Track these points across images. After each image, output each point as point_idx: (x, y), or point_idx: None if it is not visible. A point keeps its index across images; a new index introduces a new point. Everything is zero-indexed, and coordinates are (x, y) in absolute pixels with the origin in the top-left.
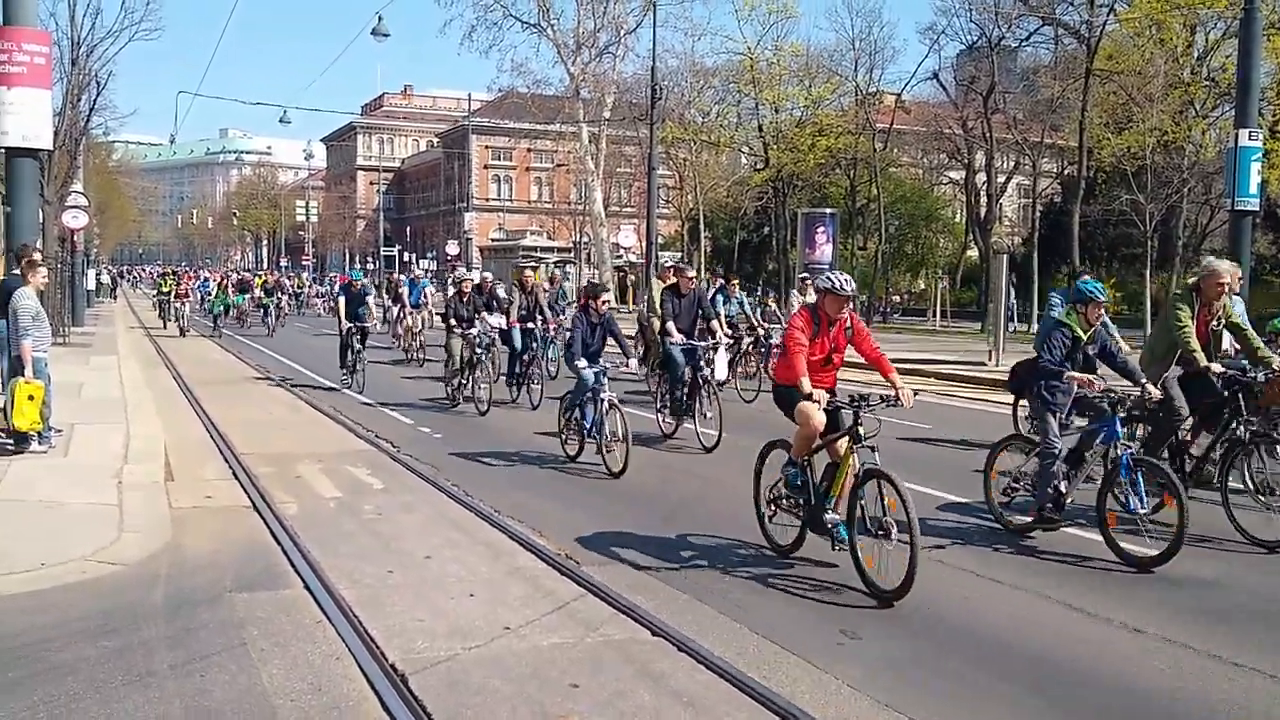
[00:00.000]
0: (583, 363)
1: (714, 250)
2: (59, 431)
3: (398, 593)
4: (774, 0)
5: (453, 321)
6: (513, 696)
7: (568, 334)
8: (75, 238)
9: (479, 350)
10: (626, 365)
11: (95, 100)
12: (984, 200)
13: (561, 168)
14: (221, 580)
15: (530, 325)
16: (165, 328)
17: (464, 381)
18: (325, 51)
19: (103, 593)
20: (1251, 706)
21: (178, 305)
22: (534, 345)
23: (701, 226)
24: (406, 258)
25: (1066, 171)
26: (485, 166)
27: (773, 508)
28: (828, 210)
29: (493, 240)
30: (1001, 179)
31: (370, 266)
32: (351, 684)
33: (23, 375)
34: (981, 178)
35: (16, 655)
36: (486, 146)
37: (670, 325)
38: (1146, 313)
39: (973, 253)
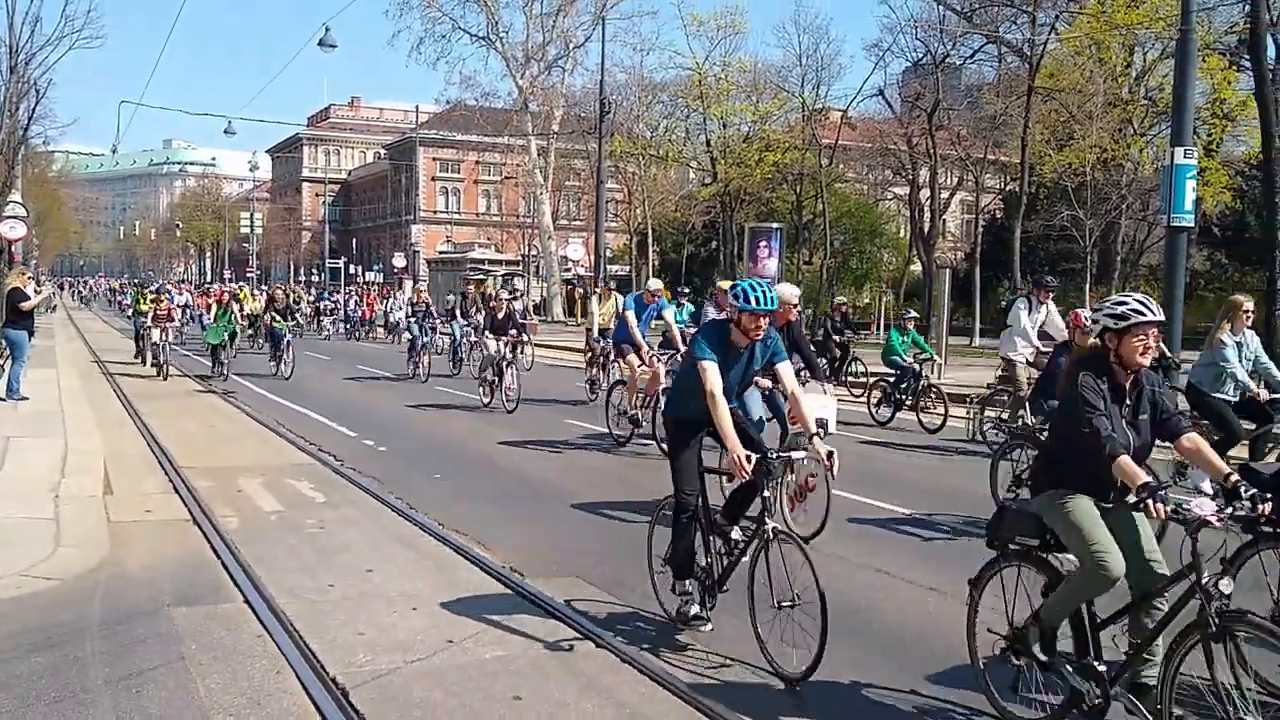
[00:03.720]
0: None
1: (662, 264)
2: None
3: (339, 607)
4: (722, 16)
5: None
6: (455, 710)
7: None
8: (13, 249)
9: None
10: None
11: (34, 108)
12: (928, 216)
13: (510, 180)
14: (160, 595)
15: None
16: (149, 368)
17: None
18: (271, 63)
19: (38, 608)
20: None
21: (157, 333)
22: None
23: (650, 240)
24: (352, 270)
25: (1009, 187)
26: (433, 179)
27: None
28: (774, 225)
29: (440, 253)
30: (945, 195)
31: (315, 279)
32: (292, 698)
33: None
34: (925, 193)
35: None
36: (434, 159)
37: None
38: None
39: (916, 267)
